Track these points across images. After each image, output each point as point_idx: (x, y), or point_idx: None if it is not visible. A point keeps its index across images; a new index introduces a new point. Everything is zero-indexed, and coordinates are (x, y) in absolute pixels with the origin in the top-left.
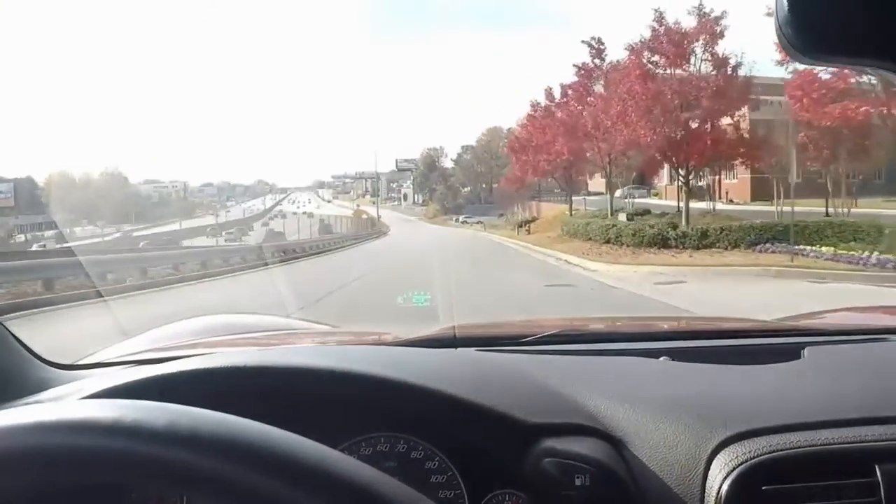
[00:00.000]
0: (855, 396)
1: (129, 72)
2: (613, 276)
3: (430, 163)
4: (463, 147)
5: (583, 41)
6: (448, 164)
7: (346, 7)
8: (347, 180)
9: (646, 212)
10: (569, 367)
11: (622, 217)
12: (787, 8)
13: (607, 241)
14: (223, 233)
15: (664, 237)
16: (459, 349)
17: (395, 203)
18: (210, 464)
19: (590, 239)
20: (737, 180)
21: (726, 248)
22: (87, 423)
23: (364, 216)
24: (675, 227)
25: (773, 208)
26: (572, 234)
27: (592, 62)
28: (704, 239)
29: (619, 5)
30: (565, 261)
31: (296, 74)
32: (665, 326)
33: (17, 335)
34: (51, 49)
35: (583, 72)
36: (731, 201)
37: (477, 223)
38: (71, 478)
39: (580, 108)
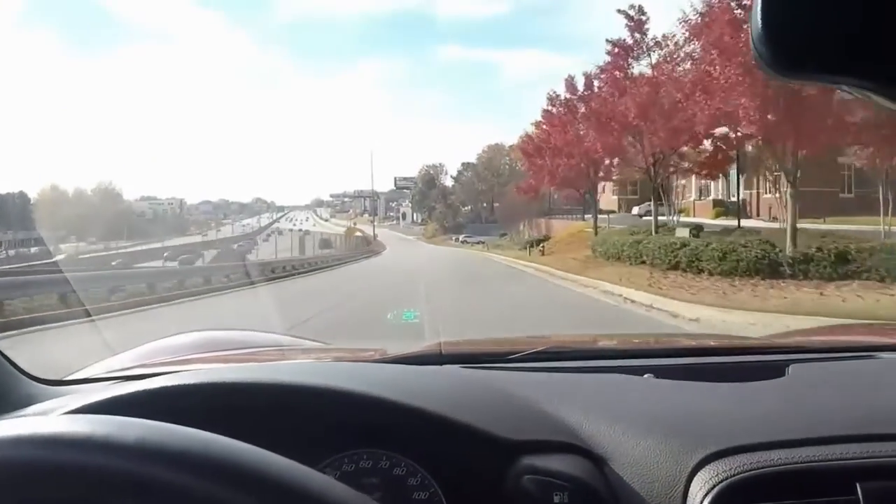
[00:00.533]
0: (837, 413)
1: (131, 90)
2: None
3: (429, 180)
4: (463, 164)
5: (619, 10)
6: (448, 182)
7: (344, 27)
8: (346, 199)
9: (697, 228)
10: (552, 384)
11: (682, 233)
12: (760, 24)
13: (674, 267)
14: (234, 245)
15: (773, 261)
16: (445, 366)
17: (394, 222)
18: (180, 479)
19: (642, 262)
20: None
21: (882, 281)
22: (60, 437)
23: (357, 234)
24: (774, 246)
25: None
26: (609, 256)
27: (631, 36)
28: (844, 265)
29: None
30: (623, 297)
31: (296, 93)
32: (650, 344)
33: (3, 351)
34: (55, 67)
35: (618, 50)
36: (775, 219)
37: (478, 243)
38: (42, 491)
39: (616, 94)
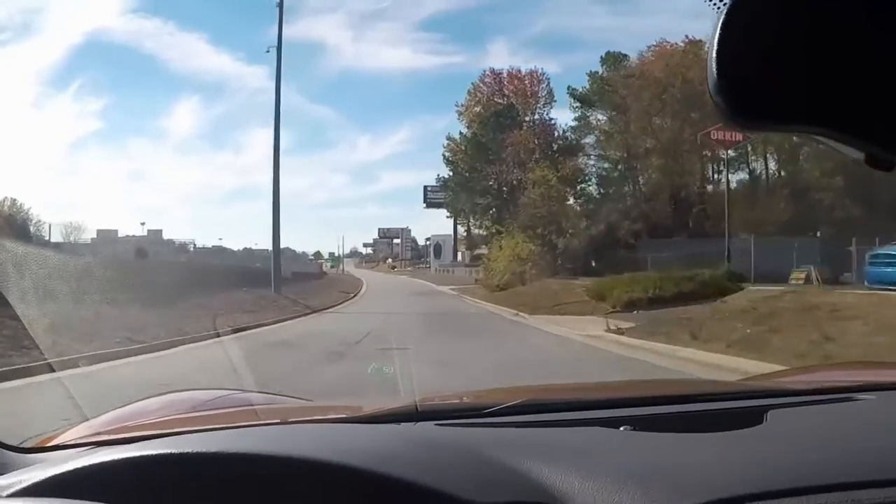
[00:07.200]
0: (815, 462)
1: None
2: None
3: (503, 112)
4: (590, 76)
5: None
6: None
7: (389, 84)
8: (380, 247)
9: None
10: (526, 441)
11: None
12: (716, 76)
13: None
14: None
15: None
16: (419, 424)
17: (423, 265)
18: None
19: None
20: None
21: None
22: None
23: None
24: None
25: None
26: None
27: None
28: None
29: None
30: None
31: (336, 146)
32: (627, 393)
33: None
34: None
35: None
36: None
37: None
38: None
39: None
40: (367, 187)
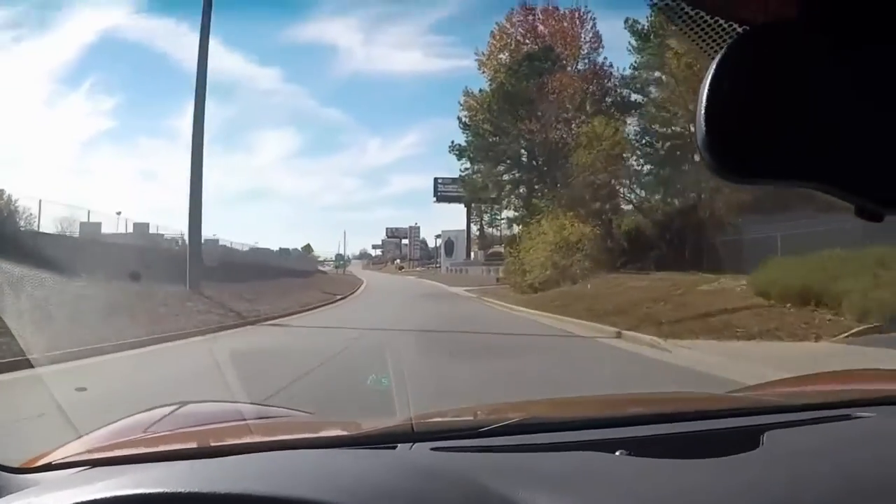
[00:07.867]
0: (812, 489)
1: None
2: None
3: (538, 56)
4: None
5: None
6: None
7: (399, 87)
8: (388, 247)
9: None
10: (523, 466)
11: None
12: (704, 131)
13: None
14: None
15: None
16: (415, 447)
17: (433, 265)
18: None
19: None
20: None
21: None
22: None
23: None
24: None
25: None
26: None
27: None
28: None
29: None
30: None
31: (347, 149)
32: (625, 410)
33: None
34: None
35: None
36: None
37: None
38: None
39: None
40: (377, 190)
